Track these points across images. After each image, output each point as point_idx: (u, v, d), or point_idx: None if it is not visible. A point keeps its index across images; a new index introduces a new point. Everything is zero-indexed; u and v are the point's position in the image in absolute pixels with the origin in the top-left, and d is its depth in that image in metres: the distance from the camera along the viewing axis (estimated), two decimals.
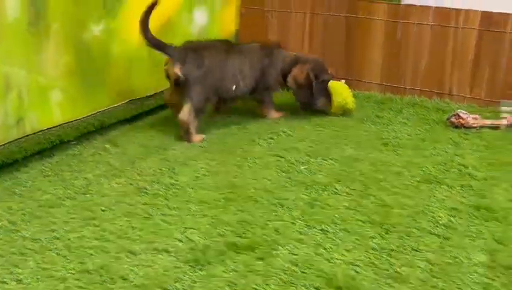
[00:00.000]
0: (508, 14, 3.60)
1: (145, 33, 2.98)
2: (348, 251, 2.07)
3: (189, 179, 2.61)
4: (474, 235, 2.18)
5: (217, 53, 3.19)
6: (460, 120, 3.30)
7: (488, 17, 3.65)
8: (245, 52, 3.36)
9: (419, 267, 1.98)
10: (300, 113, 3.53)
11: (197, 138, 3.07)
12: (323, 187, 2.56)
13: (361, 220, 2.28)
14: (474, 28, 3.69)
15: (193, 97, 3.04)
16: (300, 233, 2.19)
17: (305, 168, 2.76)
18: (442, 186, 2.59)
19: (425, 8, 3.80)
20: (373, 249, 2.09)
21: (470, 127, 3.29)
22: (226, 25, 4.25)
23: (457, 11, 3.72)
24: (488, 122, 3.34)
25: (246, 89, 3.34)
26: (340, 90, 3.52)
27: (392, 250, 2.08)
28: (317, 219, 2.29)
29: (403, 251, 2.07)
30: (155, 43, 3.02)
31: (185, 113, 3.03)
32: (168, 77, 3.11)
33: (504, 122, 3.33)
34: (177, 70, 3.01)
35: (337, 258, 2.02)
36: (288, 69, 3.45)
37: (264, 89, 3.45)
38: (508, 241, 2.14)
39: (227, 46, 3.31)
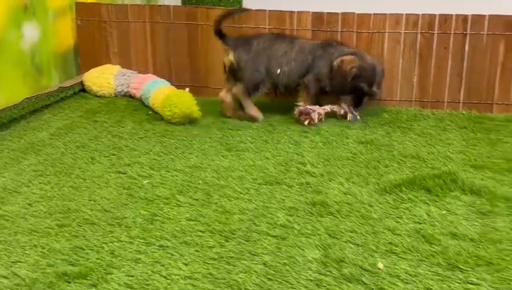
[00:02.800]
0: (337, 13, 3.77)
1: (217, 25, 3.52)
2: (186, 264, 2.04)
3: (19, 207, 2.43)
4: (310, 232, 2.24)
5: (263, 40, 3.54)
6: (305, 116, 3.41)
7: (318, 18, 3.80)
8: (296, 41, 3.55)
9: (256, 271, 1.99)
10: (146, 125, 3.46)
11: (253, 110, 3.55)
12: (165, 201, 2.51)
13: (201, 230, 2.26)
14: (307, 29, 3.83)
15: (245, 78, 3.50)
16: (139, 252, 2.12)
17: (147, 183, 2.69)
18: (282, 186, 2.65)
19: (260, 12, 3.87)
20: (212, 258, 2.07)
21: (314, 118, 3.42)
22: (62, 38, 4.06)
23: (291, 13, 3.82)
24: (328, 108, 3.48)
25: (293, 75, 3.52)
26: (185, 99, 3.50)
27: (231, 257, 2.08)
28: (156, 235, 2.23)
29: (241, 257, 2.08)
30: (219, 34, 3.53)
31: (238, 88, 3.52)
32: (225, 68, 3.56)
33: (342, 111, 3.49)
34: (231, 57, 3.49)
35: (174, 274, 1.98)
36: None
37: (313, 78, 3.50)
38: (340, 234, 2.22)
39: (276, 35, 3.60)
